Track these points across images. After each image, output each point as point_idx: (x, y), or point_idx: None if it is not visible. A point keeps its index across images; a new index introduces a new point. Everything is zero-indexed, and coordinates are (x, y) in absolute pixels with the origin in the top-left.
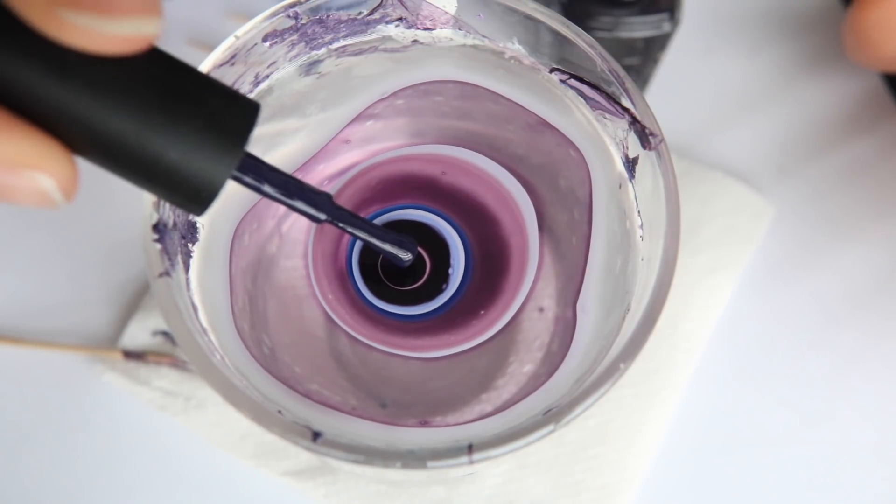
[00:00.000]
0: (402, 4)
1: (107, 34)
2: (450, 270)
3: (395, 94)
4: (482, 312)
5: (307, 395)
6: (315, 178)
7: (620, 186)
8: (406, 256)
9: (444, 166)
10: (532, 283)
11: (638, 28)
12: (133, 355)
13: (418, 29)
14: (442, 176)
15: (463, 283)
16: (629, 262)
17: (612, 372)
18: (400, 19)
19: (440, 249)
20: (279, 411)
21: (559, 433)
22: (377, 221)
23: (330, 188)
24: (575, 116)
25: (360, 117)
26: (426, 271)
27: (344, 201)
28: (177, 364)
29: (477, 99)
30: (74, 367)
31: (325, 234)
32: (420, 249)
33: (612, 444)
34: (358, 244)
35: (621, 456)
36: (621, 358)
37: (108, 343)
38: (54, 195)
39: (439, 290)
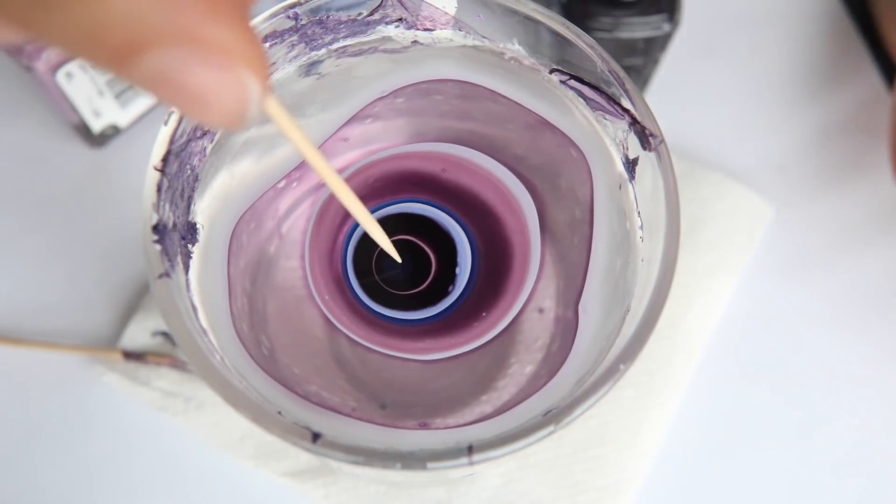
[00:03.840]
0: (402, 5)
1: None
2: (457, 270)
3: (394, 92)
4: (483, 314)
5: (306, 397)
6: (314, 177)
7: (620, 187)
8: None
9: (443, 164)
10: (533, 284)
11: (638, 28)
12: (133, 356)
13: (418, 30)
14: (442, 173)
15: (468, 285)
16: (629, 263)
17: (612, 373)
18: (400, 20)
19: (446, 248)
20: (279, 412)
21: (559, 434)
22: (380, 213)
23: (326, 187)
24: (575, 117)
25: (359, 116)
26: (430, 273)
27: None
28: (177, 365)
29: (477, 98)
30: (74, 367)
31: (321, 236)
32: (427, 248)
33: (613, 445)
34: (353, 246)
35: (621, 456)
36: (621, 359)
37: (107, 343)
38: (252, 111)
39: (445, 294)
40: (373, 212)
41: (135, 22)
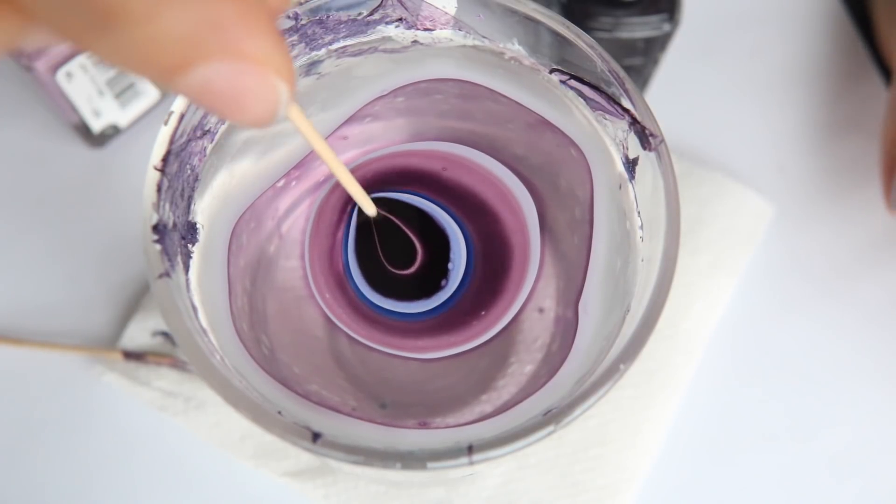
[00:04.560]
0: (402, 5)
1: None
2: (449, 266)
3: (394, 91)
4: (483, 313)
5: (306, 396)
6: (313, 176)
7: (620, 187)
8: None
9: (444, 162)
10: (533, 284)
11: (638, 28)
12: (133, 356)
13: (418, 30)
14: (442, 172)
15: (464, 281)
16: (629, 263)
17: (612, 373)
18: (400, 20)
19: (439, 240)
20: (279, 412)
21: (559, 434)
22: (376, 195)
23: (326, 184)
24: (575, 117)
25: (359, 115)
26: (418, 254)
27: (338, 195)
28: (177, 365)
29: (477, 98)
30: (74, 367)
31: (321, 234)
32: (412, 235)
33: (613, 445)
34: (352, 243)
35: (621, 456)
36: (621, 359)
37: (107, 343)
38: (280, 111)
39: (438, 287)
40: (371, 195)
41: (184, 41)
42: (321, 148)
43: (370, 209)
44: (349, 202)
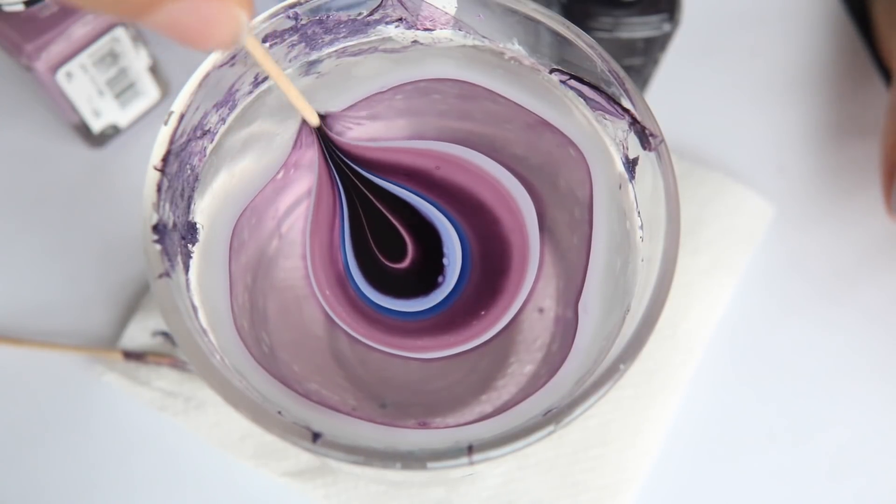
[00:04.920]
0: (402, 5)
1: None
2: (444, 261)
3: (393, 90)
4: (482, 313)
5: (306, 395)
6: (311, 170)
7: (620, 187)
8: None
9: (438, 161)
10: (533, 284)
11: (638, 28)
12: (133, 356)
13: (418, 30)
14: (435, 170)
15: (461, 280)
16: (629, 263)
17: (612, 372)
18: (400, 20)
19: (429, 234)
20: (279, 412)
21: (559, 434)
22: (356, 177)
23: (316, 175)
24: (575, 117)
25: (358, 111)
26: (406, 243)
27: (331, 189)
28: (177, 365)
29: (476, 98)
30: (74, 367)
31: (321, 231)
32: (400, 227)
33: (613, 445)
34: (349, 238)
35: (621, 457)
36: (621, 359)
37: (107, 343)
38: (242, 35)
39: (435, 284)
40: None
41: None
42: (272, 69)
43: (313, 119)
44: (340, 195)
